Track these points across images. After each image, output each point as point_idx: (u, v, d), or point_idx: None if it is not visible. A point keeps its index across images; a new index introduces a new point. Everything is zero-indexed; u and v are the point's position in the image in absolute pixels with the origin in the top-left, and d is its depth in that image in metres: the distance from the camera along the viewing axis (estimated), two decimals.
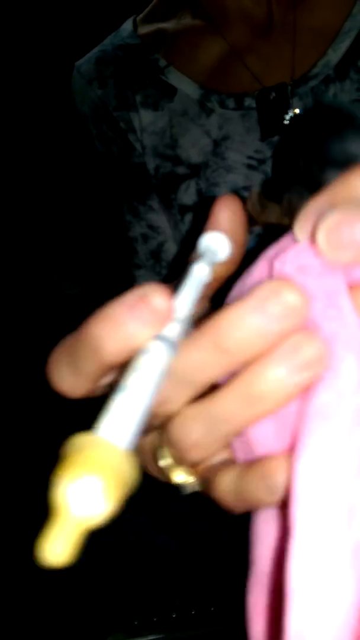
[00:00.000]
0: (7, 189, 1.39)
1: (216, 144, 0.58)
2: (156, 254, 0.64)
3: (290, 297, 0.19)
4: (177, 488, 0.28)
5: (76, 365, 0.22)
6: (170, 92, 0.60)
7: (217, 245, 0.26)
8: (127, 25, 0.65)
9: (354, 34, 0.56)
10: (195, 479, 0.27)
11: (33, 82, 1.39)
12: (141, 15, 0.65)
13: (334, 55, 0.56)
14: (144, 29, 0.64)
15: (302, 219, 0.22)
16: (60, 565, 0.15)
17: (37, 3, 1.35)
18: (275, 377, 0.20)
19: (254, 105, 0.56)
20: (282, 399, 0.21)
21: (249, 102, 0.57)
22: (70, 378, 0.22)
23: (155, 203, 0.63)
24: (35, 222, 1.39)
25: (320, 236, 0.20)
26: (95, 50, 0.65)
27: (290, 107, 0.55)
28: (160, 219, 0.63)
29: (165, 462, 0.26)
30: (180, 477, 0.26)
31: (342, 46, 0.56)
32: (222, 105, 0.58)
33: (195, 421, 0.23)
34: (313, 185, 0.22)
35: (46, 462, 0.60)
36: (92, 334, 0.21)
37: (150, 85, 0.61)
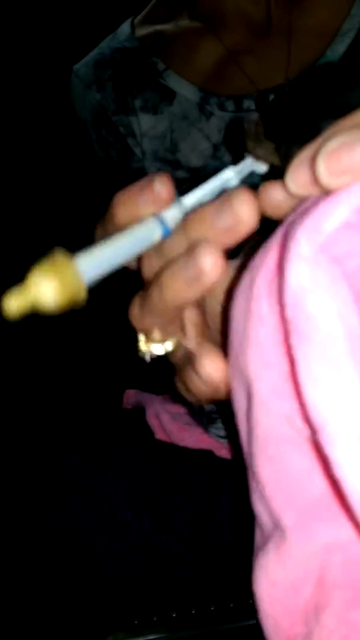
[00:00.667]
0: (8, 189, 1.39)
1: (216, 147, 0.58)
2: None
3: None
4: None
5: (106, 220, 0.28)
6: (170, 95, 0.60)
7: (254, 167, 0.30)
8: (125, 28, 0.65)
9: (353, 35, 0.56)
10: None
11: (33, 85, 1.39)
12: (139, 17, 0.65)
13: (333, 56, 0.56)
14: (142, 31, 0.63)
15: (295, 166, 0.22)
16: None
17: (35, 4, 1.35)
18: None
19: (253, 107, 0.56)
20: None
21: (248, 104, 0.57)
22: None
23: None
24: (36, 222, 1.39)
25: (320, 162, 0.20)
26: (93, 53, 0.65)
27: (289, 108, 0.55)
28: None
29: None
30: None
31: (341, 47, 0.56)
32: (222, 107, 0.58)
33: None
34: (313, 136, 0.23)
35: (46, 463, 0.60)
36: (114, 203, 0.27)
37: (149, 88, 0.60)
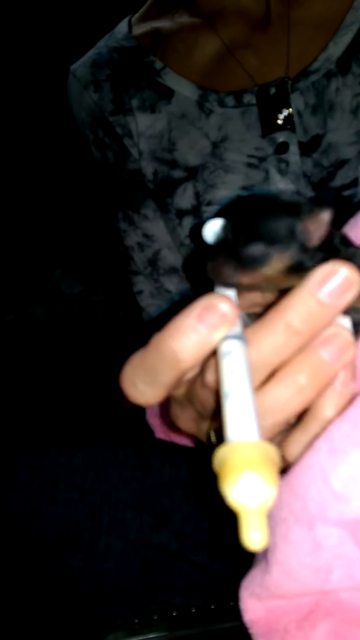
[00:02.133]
0: (7, 189, 1.39)
1: (215, 145, 0.57)
2: (153, 261, 0.64)
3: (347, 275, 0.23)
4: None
5: (154, 378, 0.24)
6: (168, 94, 0.59)
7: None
8: (122, 27, 0.64)
9: (356, 27, 0.55)
10: None
11: (30, 86, 1.38)
12: (136, 15, 0.65)
13: (336, 49, 0.55)
14: (139, 30, 0.63)
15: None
16: (264, 547, 0.18)
17: (32, 6, 1.34)
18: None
19: (253, 101, 0.56)
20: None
21: (248, 98, 0.56)
22: (148, 391, 0.25)
23: (149, 211, 0.62)
24: (35, 221, 1.39)
25: None
26: (90, 53, 0.64)
27: (290, 102, 0.55)
28: (154, 227, 0.63)
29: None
30: None
31: (344, 39, 0.55)
32: (221, 104, 0.57)
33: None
34: (237, 255, 0.25)
35: (46, 462, 0.60)
36: (167, 348, 0.23)
37: (147, 88, 0.60)
